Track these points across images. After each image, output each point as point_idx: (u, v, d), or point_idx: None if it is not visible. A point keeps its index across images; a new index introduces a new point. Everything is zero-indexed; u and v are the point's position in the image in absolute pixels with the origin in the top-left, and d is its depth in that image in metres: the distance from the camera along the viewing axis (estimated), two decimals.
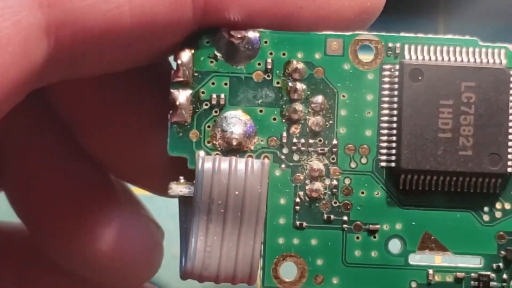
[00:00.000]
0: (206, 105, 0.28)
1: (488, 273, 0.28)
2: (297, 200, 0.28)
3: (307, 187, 0.28)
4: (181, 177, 0.28)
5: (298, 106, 0.28)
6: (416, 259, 0.29)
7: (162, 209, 0.35)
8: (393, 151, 0.28)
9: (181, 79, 0.28)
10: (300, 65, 0.28)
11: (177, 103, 0.28)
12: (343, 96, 0.28)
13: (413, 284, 0.28)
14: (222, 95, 0.28)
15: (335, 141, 0.28)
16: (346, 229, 0.28)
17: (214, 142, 0.28)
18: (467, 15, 0.53)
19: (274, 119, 0.28)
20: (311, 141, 0.28)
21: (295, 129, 0.28)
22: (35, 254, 0.34)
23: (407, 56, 0.28)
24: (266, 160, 0.28)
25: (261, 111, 0.28)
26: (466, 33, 0.29)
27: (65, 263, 0.33)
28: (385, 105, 0.28)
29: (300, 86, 0.28)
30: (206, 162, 0.27)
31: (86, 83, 0.29)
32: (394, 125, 0.28)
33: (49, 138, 0.32)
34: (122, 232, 0.32)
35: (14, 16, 0.24)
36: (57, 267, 0.33)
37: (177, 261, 0.33)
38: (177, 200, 0.29)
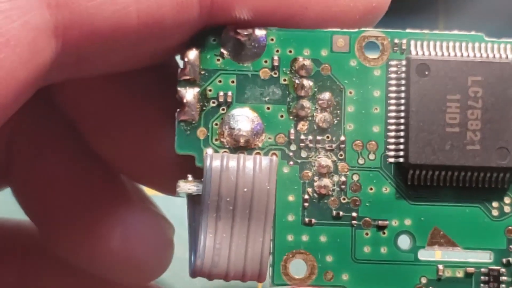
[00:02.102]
0: (214, 103, 0.28)
1: (498, 267, 0.28)
2: (306, 196, 0.28)
3: (315, 184, 0.28)
4: (189, 175, 0.28)
5: (306, 103, 0.28)
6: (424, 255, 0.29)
7: (161, 207, 0.35)
8: (401, 147, 0.28)
9: (188, 77, 0.28)
10: (307, 62, 0.28)
11: (184, 101, 0.28)
12: (350, 92, 0.28)
13: (423, 280, 0.28)
14: (229, 93, 0.28)
15: (342, 138, 0.28)
16: (355, 225, 0.28)
17: (222, 139, 0.28)
18: (467, 14, 0.53)
19: (282, 116, 0.28)
20: (318, 137, 0.28)
21: (302, 126, 0.28)
22: (36, 250, 0.34)
23: (413, 52, 0.28)
24: (274, 157, 0.28)
25: (268, 108, 0.28)
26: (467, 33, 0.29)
27: (75, 260, 0.33)
28: (392, 101, 0.28)
29: (307, 83, 0.28)
30: (214, 159, 0.27)
31: (93, 83, 0.30)
32: (402, 120, 0.28)
33: (56, 136, 0.32)
34: (132, 229, 0.32)
35: (22, 16, 0.24)
36: (59, 263, 0.33)
37: (175, 259, 0.34)
38: (175, 198, 0.29)
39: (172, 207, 0.34)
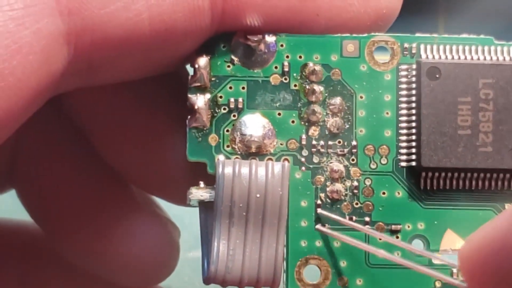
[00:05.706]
0: (224, 109, 0.28)
1: None
2: (318, 202, 0.28)
3: (328, 189, 0.28)
4: (201, 182, 0.28)
5: (317, 108, 0.28)
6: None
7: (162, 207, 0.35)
8: (413, 150, 0.28)
9: (199, 84, 0.28)
10: (317, 67, 0.28)
11: (195, 107, 0.28)
12: (361, 97, 0.28)
13: (438, 284, 0.28)
14: (240, 99, 0.28)
15: (354, 142, 0.28)
16: None
17: (233, 146, 0.28)
18: (467, 15, 0.53)
19: (293, 121, 0.28)
20: (330, 142, 0.28)
21: (313, 131, 0.28)
22: (37, 250, 0.34)
23: (423, 56, 0.28)
24: (286, 163, 0.28)
25: (279, 114, 0.28)
26: (466, 33, 0.29)
27: (81, 263, 0.33)
28: (403, 105, 0.28)
29: (317, 88, 0.28)
30: (226, 166, 0.27)
31: (103, 91, 0.30)
32: (413, 124, 0.28)
33: (64, 142, 0.32)
34: (139, 232, 0.32)
35: (35, 24, 0.24)
36: (60, 264, 0.33)
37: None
38: None
39: (173, 208, 0.33)
